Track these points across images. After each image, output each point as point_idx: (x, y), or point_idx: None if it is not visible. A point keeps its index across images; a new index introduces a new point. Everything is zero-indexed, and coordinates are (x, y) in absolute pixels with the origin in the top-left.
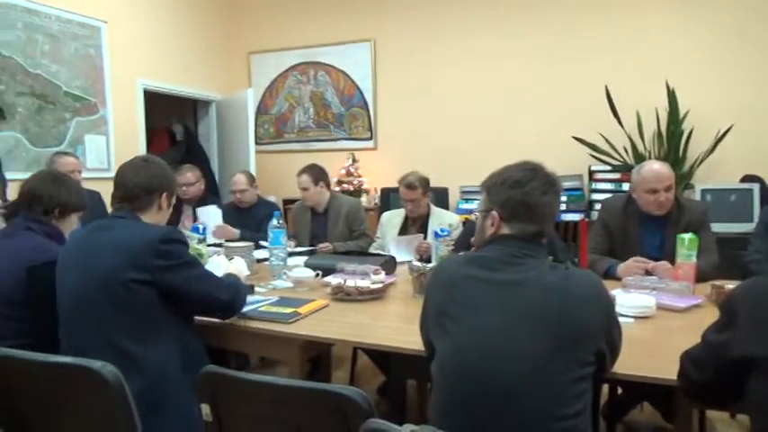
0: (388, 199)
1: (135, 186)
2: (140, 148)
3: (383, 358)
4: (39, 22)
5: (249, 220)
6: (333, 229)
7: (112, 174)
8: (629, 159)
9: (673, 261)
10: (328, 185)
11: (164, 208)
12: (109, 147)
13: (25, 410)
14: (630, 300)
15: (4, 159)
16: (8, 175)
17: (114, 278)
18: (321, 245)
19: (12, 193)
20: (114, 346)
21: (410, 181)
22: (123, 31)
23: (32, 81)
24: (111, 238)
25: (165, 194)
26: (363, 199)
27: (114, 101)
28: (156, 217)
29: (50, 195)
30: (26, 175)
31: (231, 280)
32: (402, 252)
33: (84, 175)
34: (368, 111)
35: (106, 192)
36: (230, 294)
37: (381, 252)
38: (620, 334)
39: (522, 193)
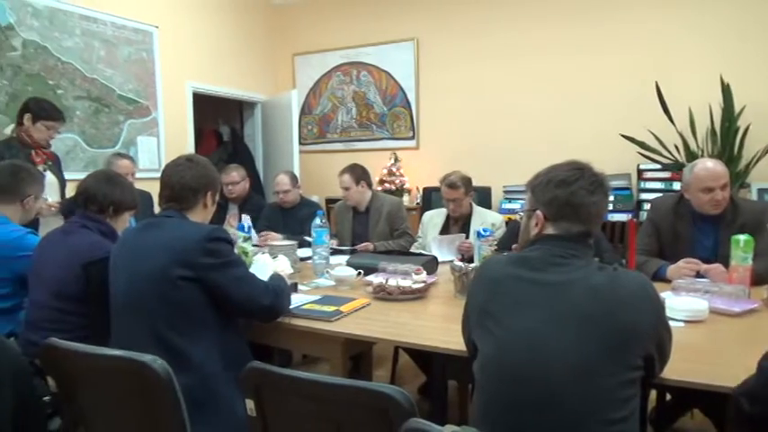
0: (430, 198)
1: (181, 186)
2: (189, 149)
3: (424, 358)
4: (95, 28)
5: (292, 220)
6: (374, 227)
7: (135, 176)
8: (681, 158)
9: (726, 263)
10: (370, 185)
11: (209, 206)
12: (159, 148)
13: (83, 401)
14: (681, 303)
15: (64, 160)
16: (67, 175)
17: (163, 275)
18: (361, 245)
19: (69, 192)
20: (162, 342)
21: (452, 180)
22: (173, 35)
23: (89, 85)
24: (159, 237)
25: (209, 193)
26: (405, 198)
27: (165, 103)
28: (201, 215)
29: (105, 194)
30: (83, 175)
31: (275, 283)
32: (443, 251)
33: (137, 175)
34: (410, 110)
35: (157, 192)
36: (271, 299)
37: (423, 252)
38: (670, 338)
39: (567, 192)
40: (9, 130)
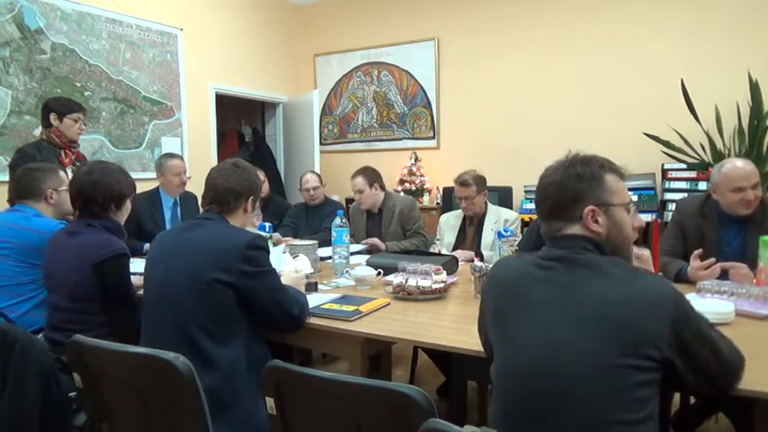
0: (451, 198)
1: (225, 190)
2: (212, 150)
3: (443, 358)
4: (121, 31)
5: (314, 217)
6: (387, 228)
7: (187, 174)
8: (706, 157)
9: (755, 265)
10: (383, 187)
11: (249, 211)
12: (183, 148)
13: (107, 397)
14: (707, 305)
15: (90, 161)
16: None
17: (199, 275)
18: (369, 239)
19: None
20: (190, 342)
21: (464, 179)
22: (197, 37)
23: (115, 87)
24: (200, 238)
25: (251, 198)
26: (425, 198)
27: (188, 104)
28: (241, 219)
29: (102, 193)
30: None
31: (299, 296)
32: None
33: None
34: (431, 110)
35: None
36: (299, 310)
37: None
38: (703, 347)
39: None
40: (38, 131)
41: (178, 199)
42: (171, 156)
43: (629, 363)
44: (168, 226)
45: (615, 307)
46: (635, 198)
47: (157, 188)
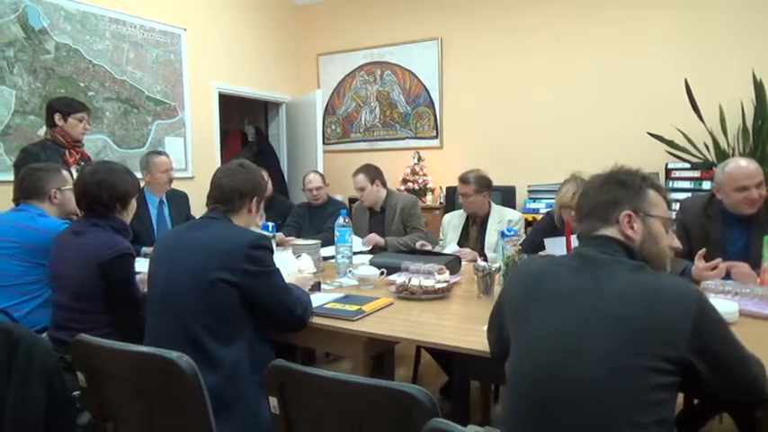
0: (454, 198)
1: (230, 190)
2: (215, 150)
3: (446, 358)
4: (125, 31)
5: (317, 217)
6: (389, 226)
7: (190, 174)
8: (710, 156)
9: (759, 265)
10: (384, 184)
11: (253, 211)
12: (186, 148)
13: (111, 396)
14: None
15: (94, 161)
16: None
17: (203, 275)
18: (366, 237)
19: None
20: (193, 341)
21: (465, 176)
22: (201, 37)
23: (119, 87)
24: (204, 237)
25: (255, 199)
26: (428, 198)
27: (192, 104)
28: (245, 219)
29: (108, 193)
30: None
31: (299, 293)
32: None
33: None
34: (434, 109)
35: (188, 191)
36: (302, 309)
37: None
38: (727, 348)
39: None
40: (42, 131)
41: (164, 198)
42: (157, 153)
43: (645, 364)
44: (156, 226)
45: (634, 306)
46: None
47: (142, 188)
